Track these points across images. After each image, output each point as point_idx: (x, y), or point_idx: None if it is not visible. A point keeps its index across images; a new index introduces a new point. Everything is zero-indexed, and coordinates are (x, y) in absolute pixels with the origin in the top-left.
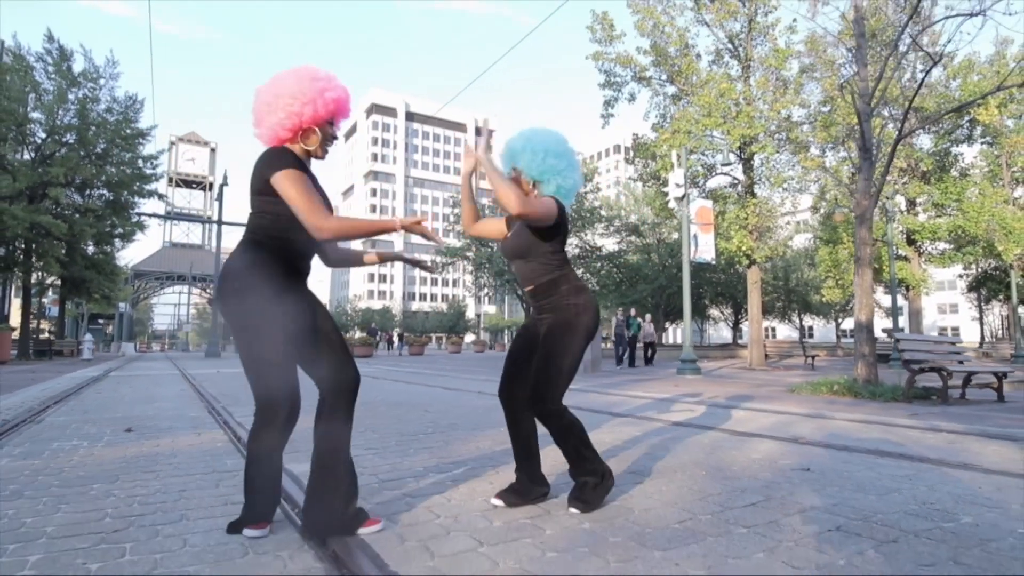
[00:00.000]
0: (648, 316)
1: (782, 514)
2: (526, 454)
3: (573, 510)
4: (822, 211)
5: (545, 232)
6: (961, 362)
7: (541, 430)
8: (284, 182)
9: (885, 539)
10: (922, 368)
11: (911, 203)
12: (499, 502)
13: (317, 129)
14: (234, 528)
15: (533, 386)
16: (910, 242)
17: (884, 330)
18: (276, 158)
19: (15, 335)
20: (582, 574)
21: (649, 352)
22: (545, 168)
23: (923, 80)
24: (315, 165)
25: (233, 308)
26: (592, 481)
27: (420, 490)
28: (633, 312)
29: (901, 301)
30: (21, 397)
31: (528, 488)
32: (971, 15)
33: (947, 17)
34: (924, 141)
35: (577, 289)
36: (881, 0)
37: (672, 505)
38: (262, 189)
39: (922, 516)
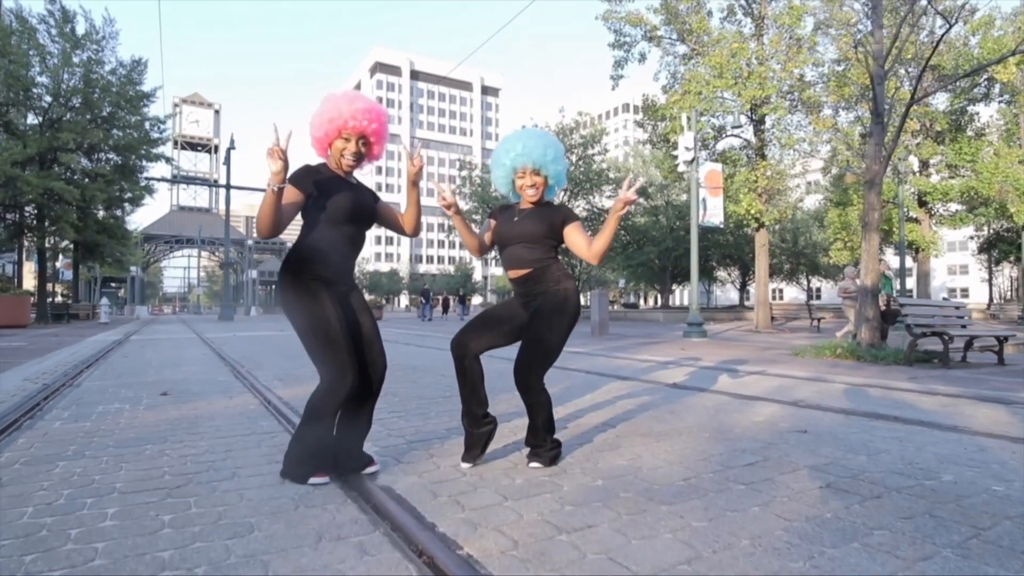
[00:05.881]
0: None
1: (778, 472)
2: (477, 399)
3: (535, 464)
4: (833, 172)
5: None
6: (964, 326)
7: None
8: None
9: (870, 495)
10: (924, 333)
11: (924, 164)
12: (467, 464)
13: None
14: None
15: (521, 361)
16: (921, 204)
17: (888, 295)
18: None
19: (32, 299)
20: (597, 524)
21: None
22: (560, 171)
23: (939, 42)
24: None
25: None
26: (549, 446)
27: (445, 450)
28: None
29: (910, 263)
30: (54, 361)
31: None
32: None
33: None
34: (939, 100)
35: (566, 275)
36: None
37: (677, 464)
38: None
39: (906, 475)
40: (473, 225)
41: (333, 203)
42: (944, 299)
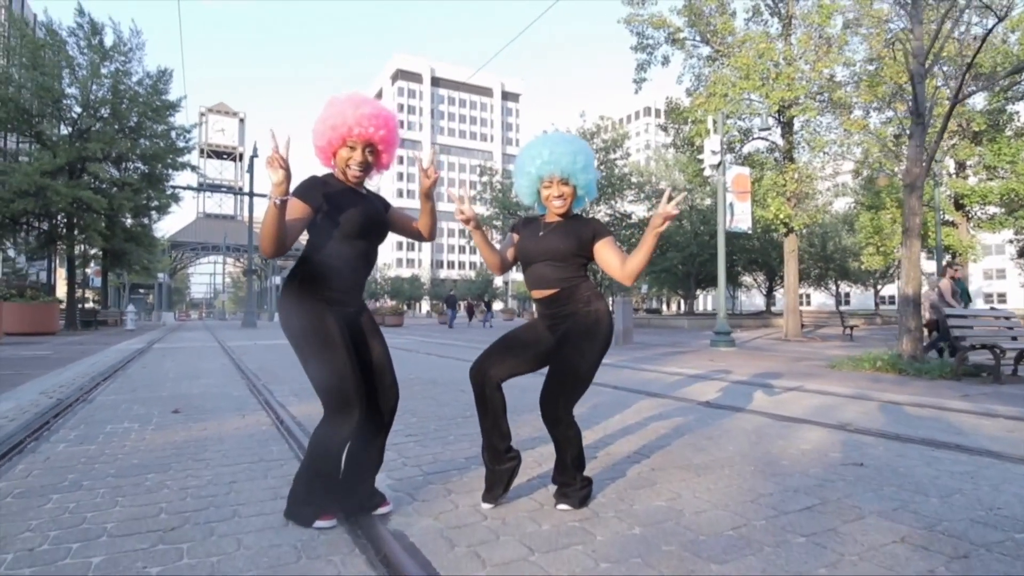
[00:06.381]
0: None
1: (840, 520)
2: (499, 432)
3: (563, 506)
4: (864, 175)
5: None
6: (1015, 338)
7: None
8: None
9: (955, 554)
10: (973, 345)
11: (960, 166)
12: (488, 504)
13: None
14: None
15: (549, 391)
16: (958, 207)
17: (934, 305)
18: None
19: (62, 306)
20: None
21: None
22: (590, 180)
23: (985, 37)
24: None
25: None
26: (579, 485)
27: (464, 485)
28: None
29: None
30: (72, 373)
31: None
32: None
33: None
34: (976, 99)
35: (596, 295)
36: None
37: (723, 508)
38: None
39: (991, 525)
40: (493, 233)
41: (343, 218)
42: (991, 307)
